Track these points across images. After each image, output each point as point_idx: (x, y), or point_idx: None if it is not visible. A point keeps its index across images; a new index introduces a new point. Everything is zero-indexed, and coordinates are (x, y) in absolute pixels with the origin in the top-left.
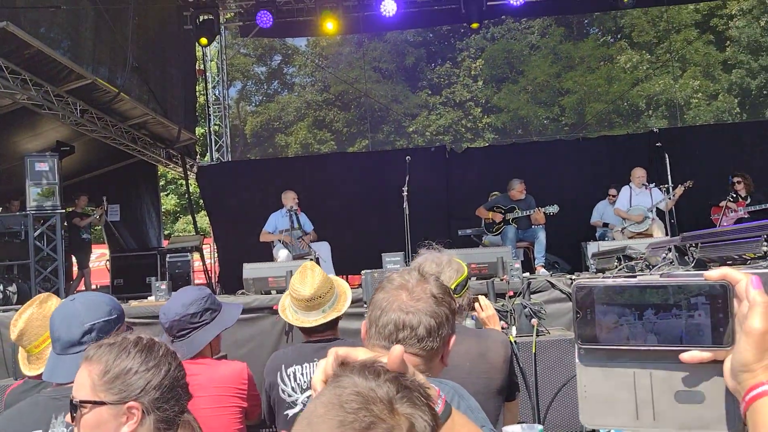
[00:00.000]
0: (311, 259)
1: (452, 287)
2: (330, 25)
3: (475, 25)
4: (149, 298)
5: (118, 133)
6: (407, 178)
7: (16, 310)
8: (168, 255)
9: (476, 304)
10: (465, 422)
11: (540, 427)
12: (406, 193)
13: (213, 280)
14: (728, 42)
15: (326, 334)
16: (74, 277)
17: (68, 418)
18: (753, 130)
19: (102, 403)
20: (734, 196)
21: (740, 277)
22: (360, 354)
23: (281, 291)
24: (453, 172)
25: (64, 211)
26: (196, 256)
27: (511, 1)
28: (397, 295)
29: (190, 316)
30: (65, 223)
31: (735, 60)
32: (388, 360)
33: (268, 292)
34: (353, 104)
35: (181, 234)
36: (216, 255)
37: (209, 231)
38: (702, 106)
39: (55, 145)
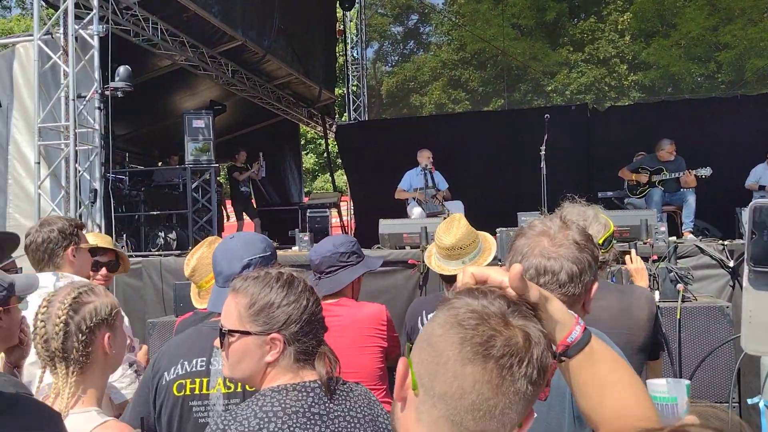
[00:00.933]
0: (444, 217)
1: (599, 243)
2: None
3: None
4: (293, 248)
5: (264, 92)
6: (545, 137)
7: (176, 255)
8: (308, 210)
9: (627, 256)
10: (604, 348)
11: (687, 382)
12: (543, 153)
13: (350, 235)
14: None
15: None
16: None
17: (216, 342)
18: None
19: (248, 333)
20: None
21: None
22: (492, 272)
23: (415, 246)
24: (594, 132)
25: (218, 165)
26: (334, 212)
27: None
28: (538, 241)
29: (339, 254)
30: (226, 177)
31: None
32: (509, 277)
33: (403, 248)
34: (489, 63)
35: (319, 191)
36: (352, 211)
37: (346, 189)
38: None
39: (209, 103)
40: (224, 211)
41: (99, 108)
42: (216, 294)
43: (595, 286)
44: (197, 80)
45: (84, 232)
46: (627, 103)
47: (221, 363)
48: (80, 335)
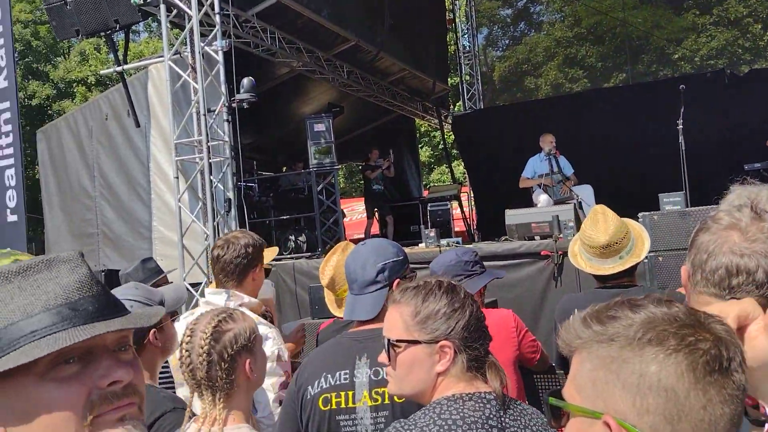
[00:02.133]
0: (574, 203)
1: None
2: None
3: None
4: (419, 245)
5: (379, 90)
6: (682, 110)
7: (307, 258)
8: (429, 204)
9: None
10: None
11: None
12: (681, 126)
13: (472, 228)
14: None
15: (623, 280)
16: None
17: (382, 357)
18: None
19: (416, 342)
20: None
21: None
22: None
23: (545, 237)
24: (735, 99)
25: (340, 167)
26: (455, 204)
27: None
28: (727, 236)
29: (464, 263)
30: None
31: None
32: None
33: (532, 238)
34: (608, 36)
35: (437, 184)
36: (473, 202)
37: (465, 180)
38: None
39: (326, 106)
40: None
41: (227, 120)
42: (352, 302)
43: None
44: (314, 84)
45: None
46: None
47: (365, 375)
48: (223, 363)
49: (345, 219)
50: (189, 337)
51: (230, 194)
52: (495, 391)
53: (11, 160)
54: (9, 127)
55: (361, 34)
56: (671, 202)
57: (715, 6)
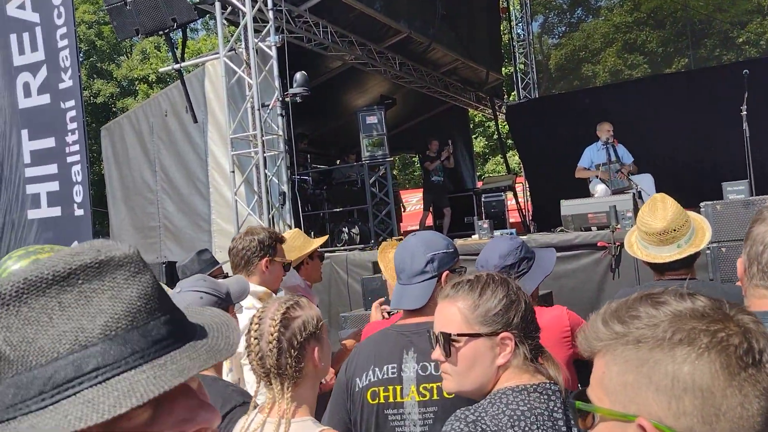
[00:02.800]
0: (633, 193)
1: None
2: None
3: None
4: (473, 236)
5: (432, 81)
6: (746, 95)
7: (360, 249)
8: (483, 195)
9: None
10: None
11: None
12: (745, 113)
13: (527, 219)
14: None
15: (681, 272)
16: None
17: (436, 354)
18: None
19: (478, 335)
20: None
21: None
22: None
23: (602, 227)
24: None
25: (392, 159)
26: (510, 195)
27: None
28: None
29: (509, 267)
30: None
31: None
32: None
33: (588, 229)
34: (668, 20)
35: (492, 175)
36: (528, 193)
37: (520, 170)
38: None
39: (379, 99)
40: (401, 203)
41: (281, 115)
42: (399, 291)
43: None
44: (367, 77)
45: (282, 244)
46: None
47: (413, 370)
48: (293, 351)
49: (405, 211)
50: (257, 325)
51: (284, 187)
52: (557, 383)
53: (77, 157)
54: (75, 125)
55: (413, 26)
56: (735, 190)
57: None
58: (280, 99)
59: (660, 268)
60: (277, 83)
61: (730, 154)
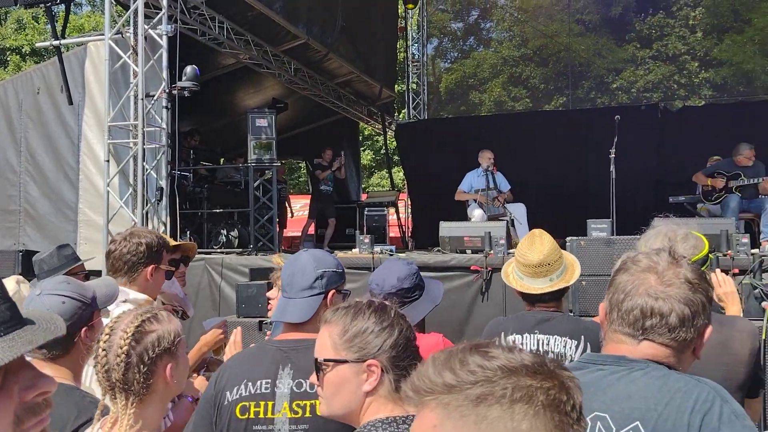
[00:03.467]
0: (507, 220)
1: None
2: None
3: None
4: (354, 250)
5: (326, 90)
6: (615, 140)
7: (238, 254)
8: (366, 209)
9: (712, 276)
10: None
11: None
12: (613, 156)
13: (406, 235)
14: None
15: (550, 304)
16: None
17: (313, 378)
18: None
19: (344, 361)
20: None
21: None
22: None
23: (477, 251)
24: (666, 133)
25: (279, 164)
26: (392, 210)
27: None
28: (644, 279)
29: (405, 290)
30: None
31: None
32: None
33: (463, 251)
34: (552, 59)
35: (376, 189)
36: (410, 210)
37: (403, 186)
38: None
39: (271, 101)
40: (288, 207)
41: (166, 107)
42: (283, 305)
43: (709, 330)
44: (260, 78)
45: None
46: (699, 103)
47: (287, 386)
48: (142, 366)
49: (292, 216)
50: (108, 336)
51: (163, 182)
52: None
53: None
54: None
55: (311, 33)
56: (598, 228)
57: (655, 41)
58: (167, 91)
59: (531, 299)
60: (165, 74)
61: (597, 193)
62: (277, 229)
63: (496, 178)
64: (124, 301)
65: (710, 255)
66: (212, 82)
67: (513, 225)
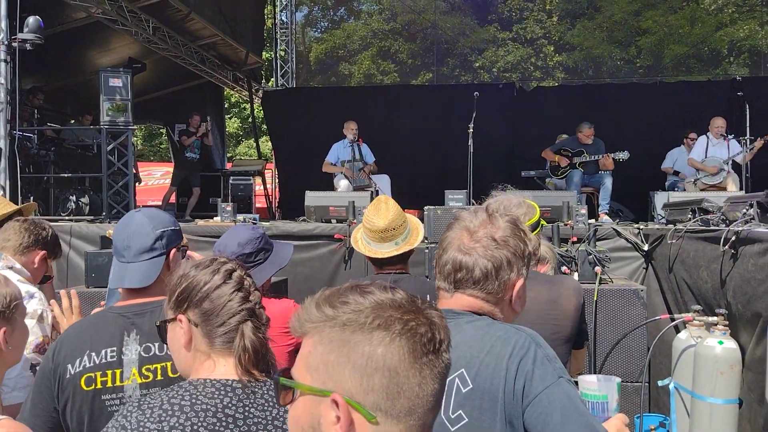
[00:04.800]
0: (371, 191)
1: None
2: None
3: None
4: (215, 218)
5: (187, 52)
6: (473, 115)
7: (89, 221)
8: (231, 177)
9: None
10: None
11: (618, 379)
12: (471, 130)
13: (273, 205)
14: None
15: (397, 267)
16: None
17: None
18: None
19: (172, 320)
20: None
21: None
22: None
23: (341, 220)
24: (520, 111)
25: (135, 127)
26: (258, 180)
27: None
28: (459, 235)
29: (246, 255)
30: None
31: None
32: None
33: (329, 221)
34: (419, 35)
35: (243, 158)
36: (277, 180)
37: (271, 156)
38: None
39: (127, 61)
40: (137, 175)
41: (5, 61)
42: (121, 270)
43: (519, 283)
44: (115, 35)
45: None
46: (552, 84)
47: (135, 352)
48: None
49: (140, 184)
50: None
51: (1, 143)
52: (241, 380)
53: None
54: None
55: None
56: (455, 198)
57: (515, 23)
58: (6, 43)
59: (379, 263)
60: (3, 24)
61: (457, 166)
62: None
63: (362, 149)
64: (11, 268)
65: (542, 221)
66: (60, 36)
67: (377, 195)
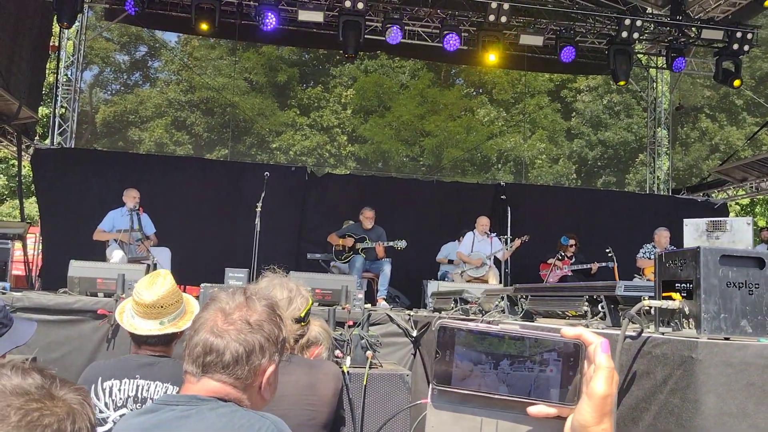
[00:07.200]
0: (149, 264)
1: (301, 316)
2: (204, 26)
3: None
4: None
5: None
6: (263, 194)
7: None
8: None
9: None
10: None
11: None
12: (259, 209)
13: (33, 274)
14: (574, 113)
15: (157, 349)
16: None
17: None
18: (585, 196)
19: None
20: (561, 255)
21: (593, 339)
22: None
23: (109, 294)
24: (310, 195)
25: None
26: (18, 245)
27: (387, 39)
28: (214, 316)
29: None
30: None
31: (578, 130)
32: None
33: (95, 294)
34: (217, 110)
35: (4, 219)
36: (41, 247)
37: (37, 220)
38: (545, 167)
39: None
40: None
41: None
42: None
43: (270, 369)
44: None
45: None
46: (343, 172)
47: None
48: None
49: None
50: None
51: None
52: None
53: None
54: None
55: None
56: (235, 277)
57: (313, 111)
58: None
59: (139, 341)
60: None
61: (243, 244)
62: None
63: (142, 219)
64: None
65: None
66: None
67: (155, 269)
